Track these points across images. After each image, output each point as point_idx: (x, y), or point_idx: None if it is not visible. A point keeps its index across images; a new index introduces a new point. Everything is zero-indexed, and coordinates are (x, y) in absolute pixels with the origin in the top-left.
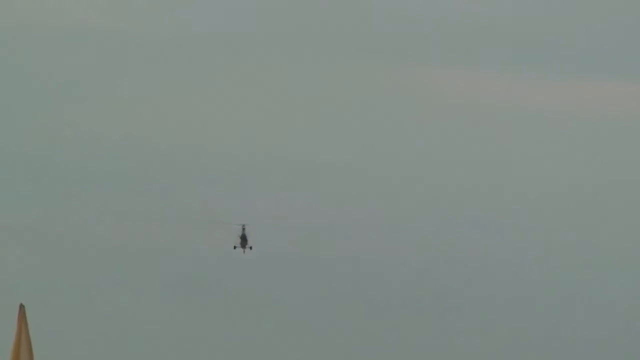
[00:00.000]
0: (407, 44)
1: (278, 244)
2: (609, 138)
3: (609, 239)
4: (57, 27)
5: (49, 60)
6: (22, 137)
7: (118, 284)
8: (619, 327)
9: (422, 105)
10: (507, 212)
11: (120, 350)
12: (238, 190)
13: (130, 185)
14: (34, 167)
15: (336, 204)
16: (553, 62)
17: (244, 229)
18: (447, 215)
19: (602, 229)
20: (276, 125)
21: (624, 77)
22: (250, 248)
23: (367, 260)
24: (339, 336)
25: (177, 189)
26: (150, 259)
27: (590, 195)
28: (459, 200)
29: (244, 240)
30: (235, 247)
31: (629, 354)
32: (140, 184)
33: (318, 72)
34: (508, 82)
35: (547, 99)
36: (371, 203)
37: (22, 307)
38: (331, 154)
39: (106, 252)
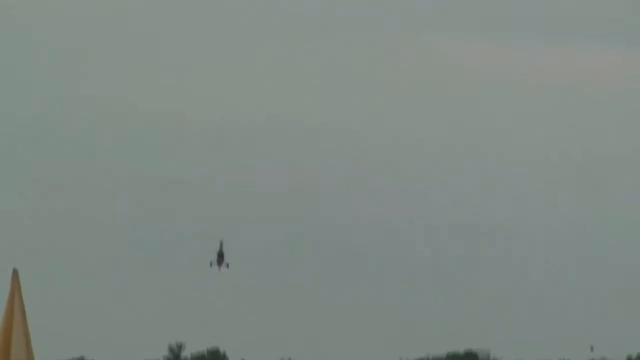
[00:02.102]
0: (402, 13)
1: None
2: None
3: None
4: None
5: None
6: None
7: (116, 250)
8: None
9: (425, 73)
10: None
11: (110, 314)
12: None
13: (132, 153)
14: (33, 134)
15: (341, 169)
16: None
17: (221, 245)
18: (448, 180)
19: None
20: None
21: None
22: (227, 266)
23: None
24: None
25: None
26: (146, 226)
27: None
28: (461, 164)
29: (220, 257)
30: (211, 265)
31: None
32: (146, 151)
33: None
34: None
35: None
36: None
37: (15, 272)
38: (338, 120)
39: (103, 219)
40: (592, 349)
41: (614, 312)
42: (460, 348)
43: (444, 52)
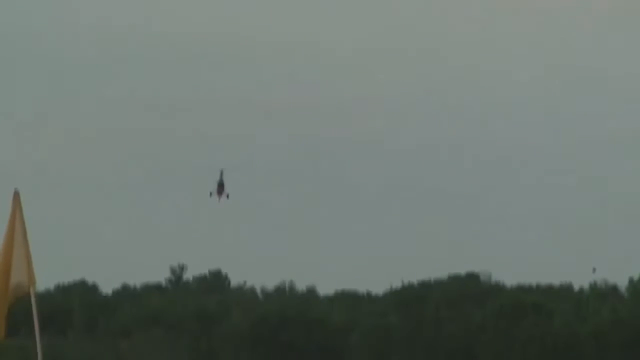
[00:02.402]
0: None
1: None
2: None
3: None
4: None
5: None
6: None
7: (118, 173)
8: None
9: None
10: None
11: (111, 236)
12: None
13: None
14: (37, 56)
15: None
16: None
17: (221, 175)
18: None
19: None
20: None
21: None
22: (227, 196)
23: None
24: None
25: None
26: (146, 144)
27: None
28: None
29: (220, 187)
30: (211, 195)
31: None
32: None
33: None
34: None
35: None
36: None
37: (16, 193)
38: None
39: (105, 138)
40: (594, 271)
41: (616, 235)
42: (462, 270)
43: None
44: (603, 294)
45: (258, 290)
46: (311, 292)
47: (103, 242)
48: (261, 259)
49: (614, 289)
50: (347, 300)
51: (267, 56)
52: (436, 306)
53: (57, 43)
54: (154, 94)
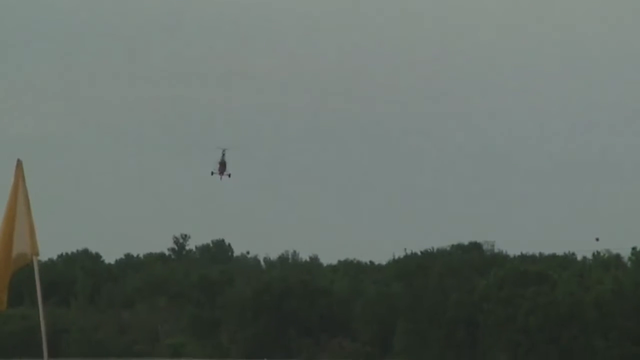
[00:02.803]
0: None
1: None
2: None
3: None
4: None
5: None
6: None
7: (121, 142)
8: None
9: None
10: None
11: (114, 206)
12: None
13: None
14: (38, 20)
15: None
16: None
17: (223, 154)
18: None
19: None
20: None
21: None
22: (229, 175)
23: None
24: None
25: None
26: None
27: None
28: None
29: (222, 166)
30: (212, 173)
31: None
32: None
33: None
34: None
35: None
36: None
37: (19, 162)
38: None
39: (108, 108)
40: (597, 240)
41: (619, 205)
42: (465, 240)
43: None
44: (606, 263)
45: (261, 260)
46: (314, 262)
47: (106, 211)
48: (264, 228)
49: (617, 258)
50: (350, 269)
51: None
52: (439, 276)
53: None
54: (152, 64)
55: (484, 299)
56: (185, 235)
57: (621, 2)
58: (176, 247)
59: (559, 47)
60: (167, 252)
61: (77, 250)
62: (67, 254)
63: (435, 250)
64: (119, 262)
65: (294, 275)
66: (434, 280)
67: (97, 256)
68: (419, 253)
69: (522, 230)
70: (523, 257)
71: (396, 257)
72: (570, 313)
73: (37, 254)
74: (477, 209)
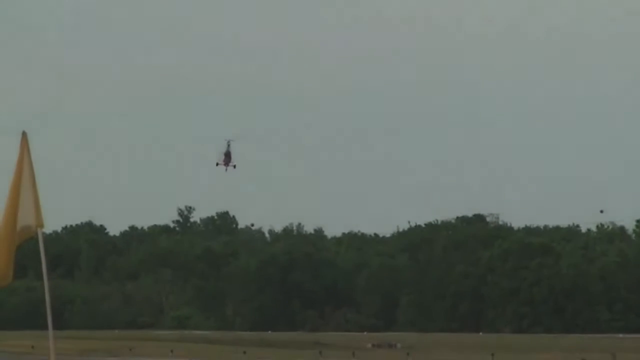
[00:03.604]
0: None
1: None
2: None
3: None
4: None
5: None
6: None
7: (126, 114)
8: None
9: None
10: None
11: (118, 178)
12: None
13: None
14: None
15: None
16: None
17: (229, 145)
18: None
19: None
20: None
21: None
22: (234, 167)
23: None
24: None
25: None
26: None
27: None
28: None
29: (227, 157)
30: (217, 164)
31: None
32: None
33: None
34: None
35: None
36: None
37: (24, 134)
38: None
39: (114, 80)
40: (601, 212)
41: (624, 176)
42: (470, 212)
43: None
44: (610, 235)
45: (266, 232)
46: (319, 234)
47: (111, 184)
48: (269, 200)
49: (621, 230)
50: (355, 241)
51: None
52: (443, 248)
53: None
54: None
55: (488, 271)
56: (190, 208)
57: None
58: (181, 219)
59: None
60: (171, 224)
61: (82, 223)
62: (71, 226)
63: (439, 222)
64: (123, 234)
65: (298, 247)
66: (438, 252)
67: (102, 228)
68: (423, 225)
69: (527, 202)
70: (527, 230)
71: (400, 229)
72: (575, 285)
73: (41, 226)
74: (481, 181)
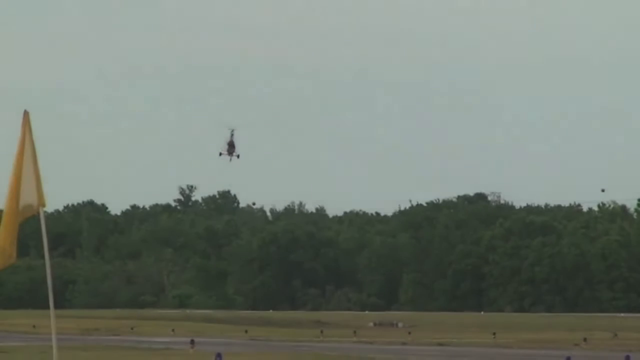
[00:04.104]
0: None
1: None
2: None
3: None
4: None
5: None
6: None
7: (127, 92)
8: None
9: None
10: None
11: (119, 157)
12: None
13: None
14: None
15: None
16: None
17: (232, 134)
18: None
19: None
20: None
21: None
22: (238, 156)
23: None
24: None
25: None
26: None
27: None
28: None
29: (231, 147)
30: (220, 154)
31: None
32: None
33: None
34: None
35: None
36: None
37: (26, 113)
38: None
39: (117, 60)
40: (603, 191)
41: (625, 156)
42: (471, 191)
43: None
44: (612, 214)
45: (267, 211)
46: (320, 213)
47: (112, 162)
48: (270, 179)
49: (623, 209)
50: (356, 220)
51: None
52: (445, 227)
53: None
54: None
55: (490, 250)
56: (191, 186)
57: None
58: (182, 198)
59: None
60: (172, 203)
61: (83, 202)
62: (73, 205)
63: (441, 201)
64: (124, 213)
65: (299, 226)
66: (439, 231)
67: (103, 207)
68: (425, 204)
69: (528, 181)
70: (529, 209)
71: (402, 208)
72: (576, 264)
73: (43, 205)
74: (482, 159)
